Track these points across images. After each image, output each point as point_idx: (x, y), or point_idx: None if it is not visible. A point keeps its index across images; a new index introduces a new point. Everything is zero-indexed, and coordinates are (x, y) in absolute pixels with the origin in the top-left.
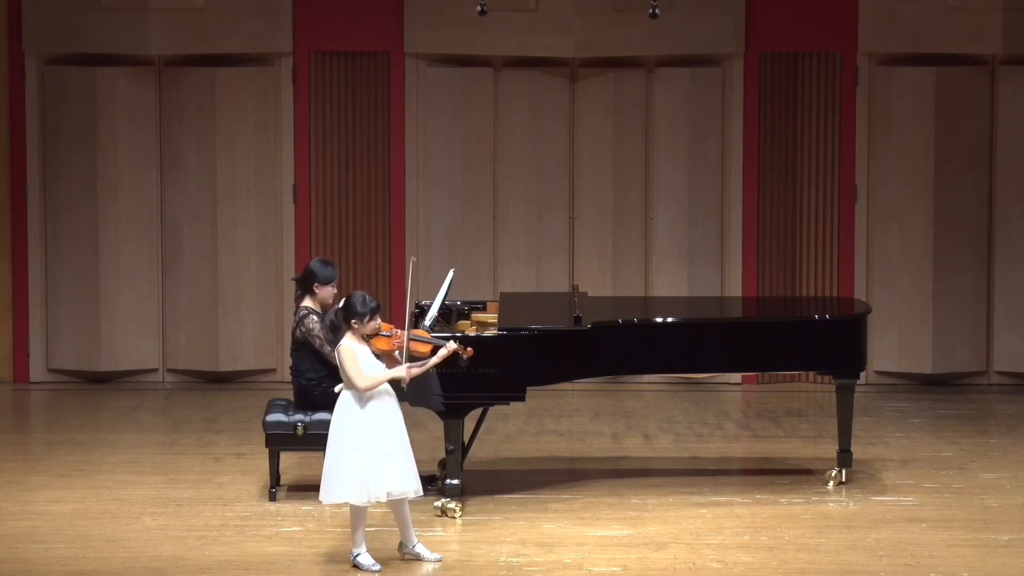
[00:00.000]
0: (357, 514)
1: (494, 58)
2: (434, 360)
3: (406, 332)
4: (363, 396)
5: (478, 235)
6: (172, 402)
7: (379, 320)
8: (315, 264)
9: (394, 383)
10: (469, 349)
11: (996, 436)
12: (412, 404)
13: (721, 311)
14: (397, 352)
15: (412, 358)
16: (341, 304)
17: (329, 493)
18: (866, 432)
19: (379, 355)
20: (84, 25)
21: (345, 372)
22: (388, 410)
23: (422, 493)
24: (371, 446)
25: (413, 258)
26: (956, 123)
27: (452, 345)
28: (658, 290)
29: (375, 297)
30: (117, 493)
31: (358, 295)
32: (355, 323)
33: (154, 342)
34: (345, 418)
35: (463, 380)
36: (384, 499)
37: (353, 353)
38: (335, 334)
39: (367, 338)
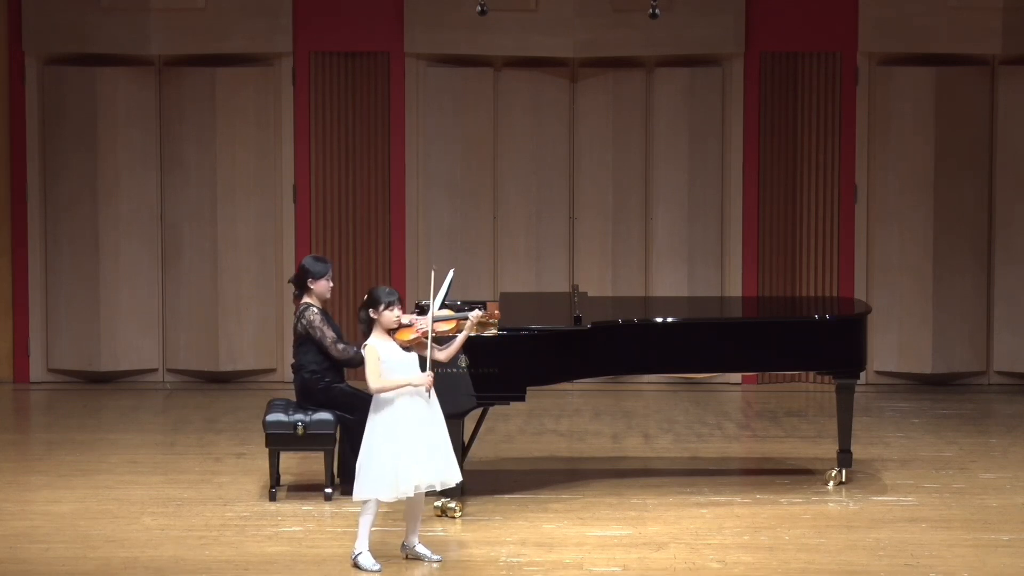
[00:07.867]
0: (370, 513)
1: (494, 58)
2: (465, 332)
3: (429, 317)
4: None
5: (478, 235)
6: (172, 402)
7: (397, 311)
8: (307, 261)
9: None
10: (496, 312)
11: (996, 436)
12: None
13: (721, 311)
14: (419, 331)
15: (440, 341)
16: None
17: (359, 490)
18: (866, 432)
19: (407, 347)
20: (84, 25)
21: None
22: (419, 403)
23: (459, 480)
24: (399, 440)
25: (435, 266)
26: (956, 123)
27: (477, 313)
28: (658, 290)
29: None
30: (117, 493)
31: (381, 287)
32: (372, 312)
33: (154, 342)
34: (376, 413)
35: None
36: (412, 494)
37: (375, 352)
38: (367, 330)
39: (391, 333)
